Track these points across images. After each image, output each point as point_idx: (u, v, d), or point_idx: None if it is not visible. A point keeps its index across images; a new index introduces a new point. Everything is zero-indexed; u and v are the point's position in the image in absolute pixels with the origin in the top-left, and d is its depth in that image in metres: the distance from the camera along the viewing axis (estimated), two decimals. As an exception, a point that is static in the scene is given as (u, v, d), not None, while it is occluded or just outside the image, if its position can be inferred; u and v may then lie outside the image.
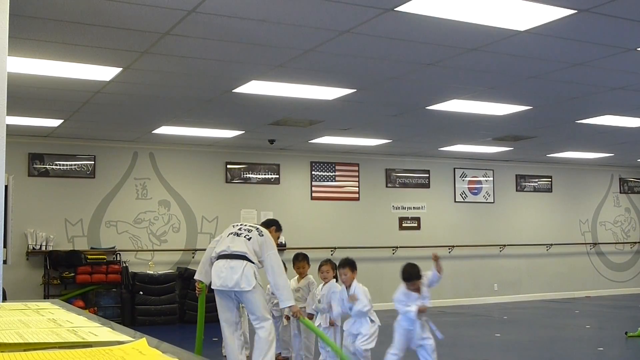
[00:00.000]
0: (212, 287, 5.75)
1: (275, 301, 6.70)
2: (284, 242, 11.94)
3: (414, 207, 13.41)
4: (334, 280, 6.48)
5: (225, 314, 5.78)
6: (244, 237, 5.73)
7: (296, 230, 12.06)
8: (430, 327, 5.75)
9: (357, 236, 12.62)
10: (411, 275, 5.70)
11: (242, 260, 5.60)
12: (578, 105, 8.34)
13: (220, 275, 5.60)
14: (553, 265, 14.77)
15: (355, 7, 4.68)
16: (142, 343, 1.19)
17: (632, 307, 13.12)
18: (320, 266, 6.71)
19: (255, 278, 5.58)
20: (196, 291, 6.13)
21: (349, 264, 6.16)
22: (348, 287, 6.13)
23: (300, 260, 7.15)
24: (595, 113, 8.92)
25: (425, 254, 13.33)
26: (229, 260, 5.64)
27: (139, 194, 11.07)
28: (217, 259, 5.72)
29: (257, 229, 5.87)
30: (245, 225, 5.94)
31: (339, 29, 5.18)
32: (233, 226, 5.97)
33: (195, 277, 6.09)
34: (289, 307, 5.76)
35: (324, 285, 6.60)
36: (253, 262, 5.63)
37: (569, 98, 7.89)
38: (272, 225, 6.31)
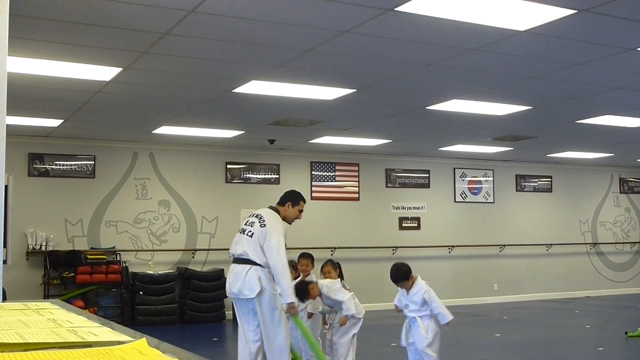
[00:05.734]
0: None
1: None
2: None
3: (414, 207, 13.41)
4: (339, 280, 6.48)
5: (240, 322, 5.46)
6: (247, 233, 5.38)
7: (296, 230, 12.03)
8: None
9: (357, 236, 12.62)
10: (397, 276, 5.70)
11: (244, 265, 5.30)
12: (578, 105, 8.34)
13: (228, 281, 5.39)
14: (553, 265, 14.77)
15: (355, 7, 4.68)
16: (142, 343, 1.19)
17: (632, 307, 13.12)
18: (322, 267, 6.70)
19: (261, 283, 5.21)
20: None
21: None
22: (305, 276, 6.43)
23: (304, 258, 7.01)
24: (595, 113, 8.92)
25: (426, 254, 13.40)
26: (235, 264, 5.39)
27: (139, 194, 11.07)
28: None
29: (260, 218, 5.43)
30: (253, 215, 5.53)
31: (339, 29, 5.18)
32: (247, 217, 5.62)
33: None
34: (286, 303, 5.34)
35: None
36: (258, 264, 5.27)
37: (569, 98, 7.89)
38: (287, 201, 5.70)
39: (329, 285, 6.17)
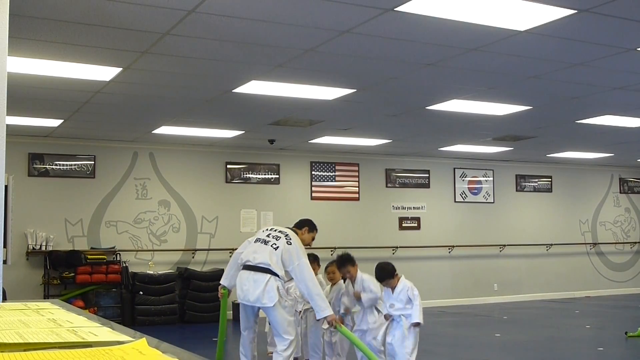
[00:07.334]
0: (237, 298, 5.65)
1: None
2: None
3: (414, 207, 13.41)
4: (342, 281, 6.45)
5: (245, 323, 5.68)
6: (271, 246, 5.49)
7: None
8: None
9: (357, 236, 12.61)
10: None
11: (265, 274, 5.38)
12: (578, 105, 8.34)
13: (243, 288, 5.44)
14: (553, 265, 14.76)
15: (355, 7, 4.68)
16: (142, 343, 1.19)
17: (632, 307, 13.12)
18: (326, 267, 6.67)
19: (279, 293, 5.36)
20: (218, 295, 6.00)
21: (348, 261, 6.18)
22: (353, 281, 6.18)
23: (311, 261, 6.92)
24: (595, 113, 8.92)
25: (426, 254, 13.40)
26: (252, 272, 5.44)
27: (139, 194, 11.07)
28: (242, 268, 5.53)
29: (287, 235, 5.61)
30: (275, 230, 5.70)
31: (339, 29, 5.18)
32: (263, 231, 5.78)
33: (220, 282, 5.91)
34: (326, 317, 5.45)
35: (331, 286, 6.57)
36: (277, 275, 5.39)
37: (569, 98, 7.89)
38: (305, 225, 6.01)
39: (371, 278, 6.19)
